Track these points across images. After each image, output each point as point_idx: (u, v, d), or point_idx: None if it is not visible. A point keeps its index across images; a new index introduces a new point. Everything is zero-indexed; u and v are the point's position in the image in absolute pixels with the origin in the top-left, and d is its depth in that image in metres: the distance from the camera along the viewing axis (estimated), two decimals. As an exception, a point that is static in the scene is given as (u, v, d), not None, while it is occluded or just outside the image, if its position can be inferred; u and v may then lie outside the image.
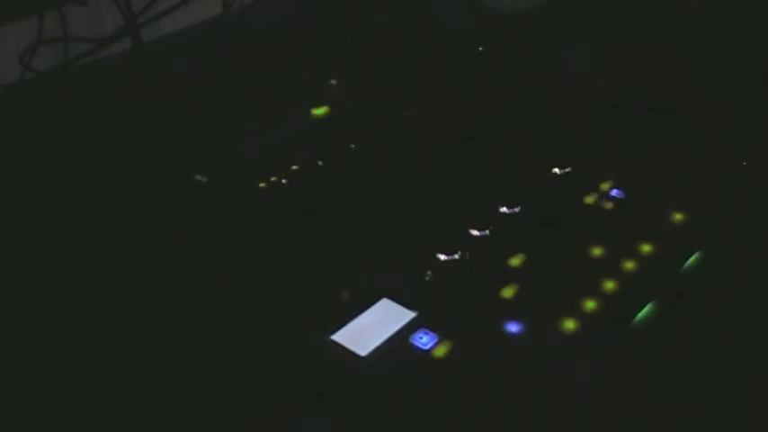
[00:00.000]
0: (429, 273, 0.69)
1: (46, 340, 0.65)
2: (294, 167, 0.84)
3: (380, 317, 0.65)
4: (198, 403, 0.60)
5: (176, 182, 0.83)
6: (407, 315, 0.65)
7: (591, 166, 0.81)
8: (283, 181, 0.82)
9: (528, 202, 0.77)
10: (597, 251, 0.70)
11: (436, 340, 0.62)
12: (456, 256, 0.71)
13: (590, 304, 0.65)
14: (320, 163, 0.85)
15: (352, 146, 0.88)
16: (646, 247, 0.71)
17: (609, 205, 0.76)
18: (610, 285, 0.67)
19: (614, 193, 0.77)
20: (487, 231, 0.73)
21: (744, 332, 0.64)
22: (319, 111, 0.92)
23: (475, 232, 0.73)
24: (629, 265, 0.69)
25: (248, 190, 0.81)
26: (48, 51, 1.05)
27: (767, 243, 0.72)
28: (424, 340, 0.63)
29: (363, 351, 0.62)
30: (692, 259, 0.70)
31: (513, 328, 0.63)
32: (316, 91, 0.98)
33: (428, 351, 0.62)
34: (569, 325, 0.63)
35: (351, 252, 0.72)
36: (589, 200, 0.77)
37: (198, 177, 0.83)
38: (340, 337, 0.63)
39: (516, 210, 0.76)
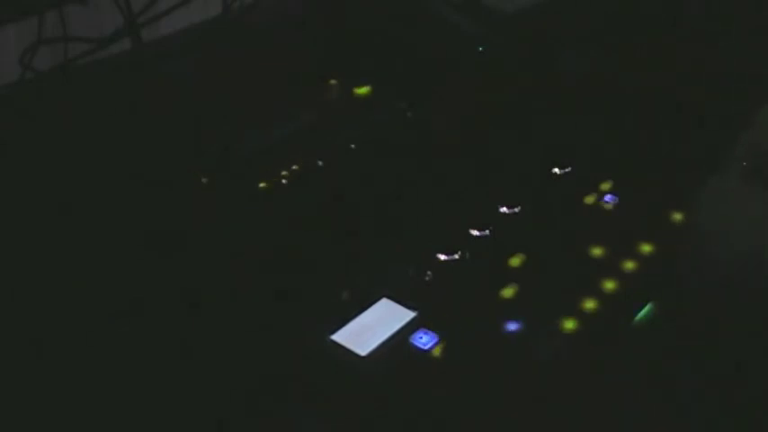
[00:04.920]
0: (429, 273, 0.69)
1: (46, 341, 0.65)
2: (294, 167, 0.84)
3: (380, 317, 0.65)
4: (198, 403, 0.59)
5: (176, 182, 0.83)
6: (407, 315, 0.65)
7: (591, 166, 0.81)
8: (283, 181, 0.82)
9: (528, 202, 0.77)
10: (597, 251, 0.70)
11: (436, 340, 0.62)
12: (456, 256, 0.71)
13: (590, 304, 0.65)
14: (320, 163, 0.85)
15: (352, 146, 0.88)
16: (646, 247, 0.71)
17: (609, 205, 0.76)
18: (610, 285, 0.67)
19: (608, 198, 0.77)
20: (487, 231, 0.73)
21: (743, 332, 0.64)
22: (361, 90, 0.93)
23: (475, 232, 0.73)
24: (629, 265, 0.69)
25: (248, 190, 0.81)
26: (48, 51, 1.05)
27: (766, 243, 0.72)
28: (424, 340, 0.63)
29: (363, 351, 0.62)
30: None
31: (513, 328, 0.63)
32: (315, 91, 0.98)
33: (428, 351, 0.62)
34: (569, 325, 0.63)
35: (351, 252, 0.72)
36: (589, 200, 0.77)
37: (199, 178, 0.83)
38: (340, 337, 0.63)
39: (516, 210, 0.76)
